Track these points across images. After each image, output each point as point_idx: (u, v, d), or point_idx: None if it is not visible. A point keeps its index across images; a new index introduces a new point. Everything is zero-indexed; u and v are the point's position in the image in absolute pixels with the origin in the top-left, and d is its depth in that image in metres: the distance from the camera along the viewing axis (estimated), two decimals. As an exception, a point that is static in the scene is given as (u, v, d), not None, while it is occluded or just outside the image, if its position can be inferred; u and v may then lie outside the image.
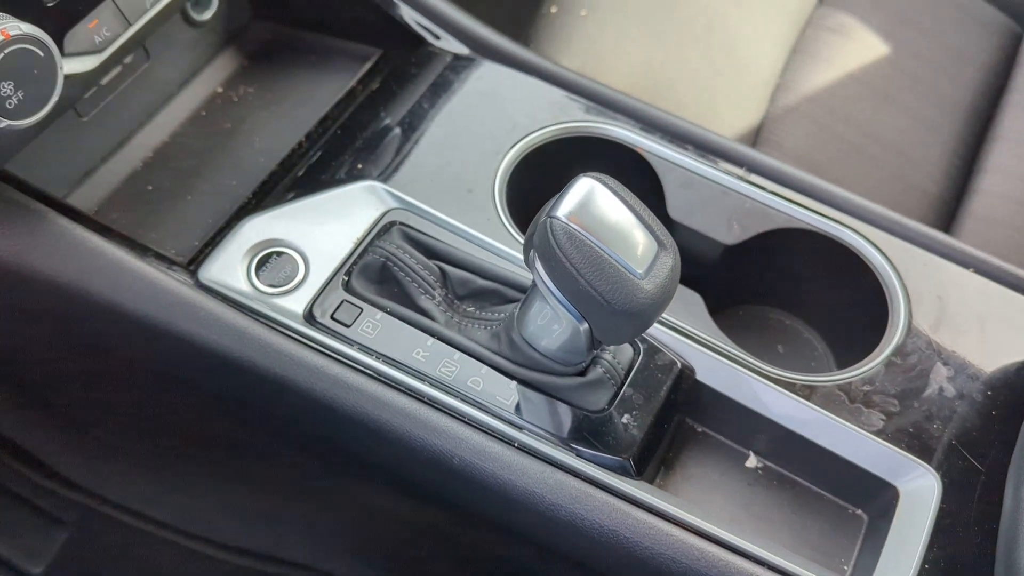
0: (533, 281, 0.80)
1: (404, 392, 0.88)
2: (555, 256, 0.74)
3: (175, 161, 1.11)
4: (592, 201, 0.74)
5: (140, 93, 1.11)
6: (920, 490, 0.86)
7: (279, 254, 0.95)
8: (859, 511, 0.91)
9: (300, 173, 1.03)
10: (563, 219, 0.73)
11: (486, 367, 0.89)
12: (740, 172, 1.04)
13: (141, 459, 1.32)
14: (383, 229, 0.97)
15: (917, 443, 0.88)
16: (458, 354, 0.89)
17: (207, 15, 1.15)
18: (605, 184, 0.75)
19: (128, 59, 1.07)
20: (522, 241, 0.96)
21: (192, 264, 0.96)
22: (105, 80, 1.05)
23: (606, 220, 0.74)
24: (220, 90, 1.18)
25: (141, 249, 0.95)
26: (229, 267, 0.94)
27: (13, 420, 1.37)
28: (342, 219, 0.98)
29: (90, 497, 1.43)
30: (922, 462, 0.87)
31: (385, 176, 1.01)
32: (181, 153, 1.12)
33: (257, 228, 0.97)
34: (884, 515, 0.87)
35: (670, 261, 0.75)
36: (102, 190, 1.08)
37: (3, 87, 0.75)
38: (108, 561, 1.47)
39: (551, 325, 0.82)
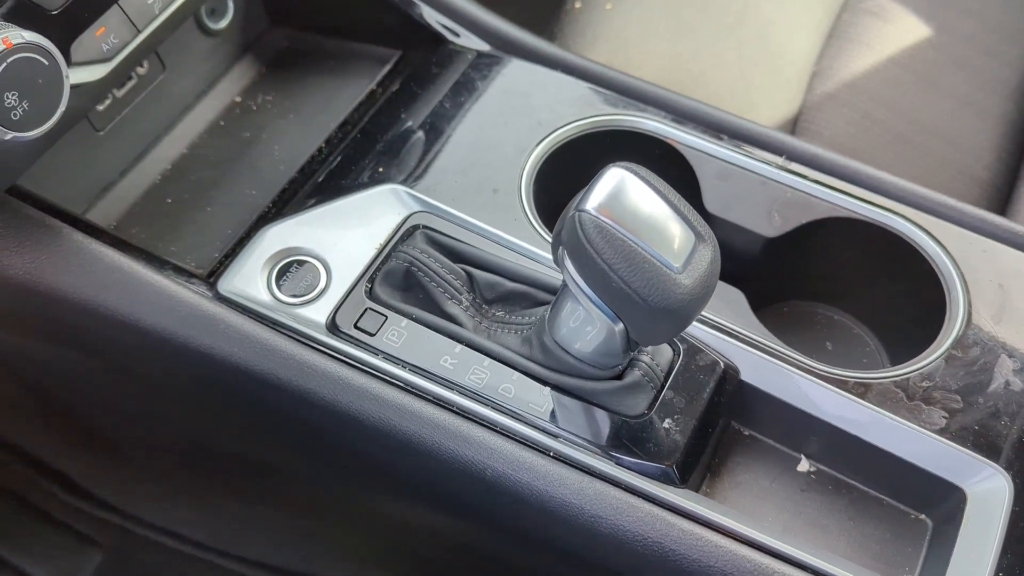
0: (563, 281, 0.75)
1: (432, 402, 0.84)
2: (585, 252, 0.69)
3: (194, 173, 1.09)
4: (623, 192, 0.70)
5: (157, 105, 1.09)
6: (989, 492, 0.80)
7: (300, 263, 0.92)
8: (923, 516, 0.85)
9: (320, 179, 1.00)
10: (592, 212, 0.69)
11: (518, 373, 0.85)
12: (779, 161, 0.98)
13: (174, 480, 1.30)
14: (406, 233, 0.93)
15: (984, 441, 0.82)
16: (488, 360, 0.85)
17: (223, 24, 1.13)
18: (636, 174, 0.71)
19: (144, 70, 1.05)
20: (551, 241, 0.92)
21: (212, 276, 0.94)
22: (121, 93, 1.04)
23: (639, 212, 0.69)
24: (238, 99, 1.15)
25: (159, 262, 0.93)
26: (249, 278, 0.91)
27: (48, 443, 1.36)
28: (364, 224, 0.95)
29: (125, 518, 1.42)
30: (990, 462, 0.82)
31: (407, 179, 0.97)
32: (200, 164, 1.10)
33: (277, 237, 0.94)
34: (951, 520, 0.82)
35: (709, 254, 0.71)
36: (121, 205, 1.07)
37: (7, 98, 0.73)
38: (143, 582, 1.46)
39: (584, 327, 0.77)
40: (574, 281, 0.72)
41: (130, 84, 1.04)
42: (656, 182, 0.71)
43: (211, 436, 1.11)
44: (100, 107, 1.01)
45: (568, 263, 0.72)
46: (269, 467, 1.11)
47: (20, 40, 0.73)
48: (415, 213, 0.95)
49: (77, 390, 1.14)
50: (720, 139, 1.00)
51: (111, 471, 1.38)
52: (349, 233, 0.94)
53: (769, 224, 0.96)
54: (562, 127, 1.01)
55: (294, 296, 0.90)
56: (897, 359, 0.93)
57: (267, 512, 1.27)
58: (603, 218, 0.69)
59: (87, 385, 1.11)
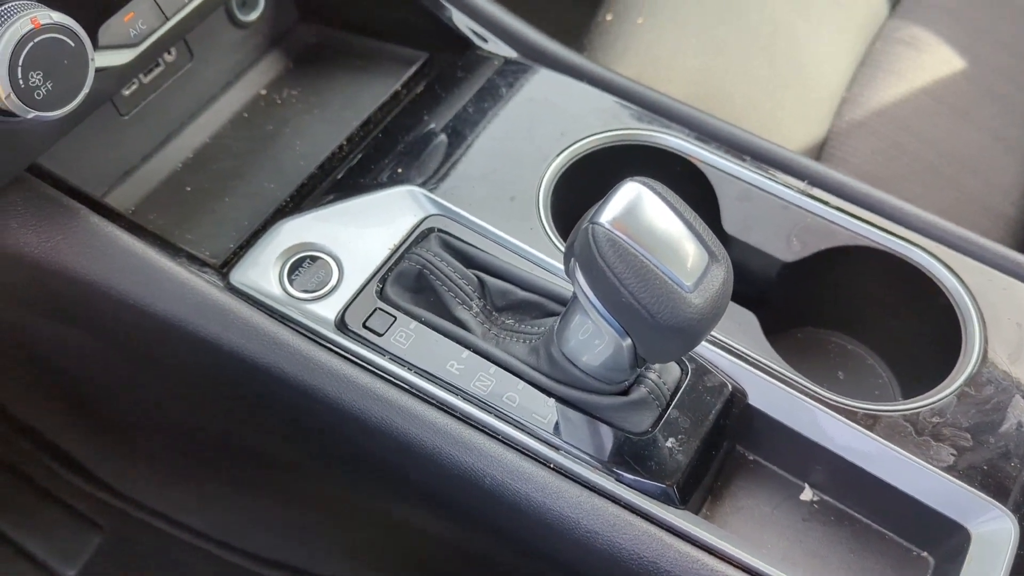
0: (574, 292, 0.75)
1: (436, 406, 0.84)
2: (597, 265, 0.69)
3: (215, 162, 1.09)
4: (638, 207, 0.69)
5: (182, 93, 1.10)
6: (994, 533, 0.79)
7: (313, 259, 0.92)
8: (924, 553, 0.84)
9: (339, 176, 1.00)
10: (606, 225, 0.68)
11: (523, 383, 0.84)
12: (801, 185, 0.97)
13: (177, 466, 1.30)
14: (421, 236, 0.93)
15: (992, 482, 0.81)
16: (494, 368, 0.85)
17: (253, 16, 1.13)
18: (653, 189, 0.70)
19: (171, 58, 1.06)
20: (564, 252, 0.91)
21: (225, 266, 0.94)
22: (147, 79, 1.04)
23: (653, 228, 0.69)
24: (264, 92, 1.16)
25: (173, 249, 0.93)
26: (261, 270, 0.91)
27: (55, 422, 1.37)
28: (380, 224, 0.94)
29: (126, 502, 1.43)
30: (997, 503, 0.80)
31: (426, 181, 0.97)
32: (221, 154, 1.10)
33: (292, 231, 0.94)
34: (953, 559, 0.80)
35: (722, 274, 0.70)
36: (141, 190, 1.07)
37: (32, 77, 0.73)
38: (140, 566, 1.46)
39: (592, 340, 0.77)
40: (584, 293, 0.71)
41: (157, 71, 1.05)
42: (672, 199, 0.70)
43: (216, 425, 1.11)
44: (126, 92, 1.02)
45: (579, 275, 0.71)
46: (271, 459, 1.11)
47: (48, 20, 0.73)
48: (431, 216, 0.95)
49: (85, 371, 1.14)
50: (743, 160, 0.99)
51: (115, 453, 1.38)
52: (364, 232, 0.94)
53: (787, 248, 0.95)
54: (584, 139, 1.00)
55: (305, 291, 0.90)
56: (910, 392, 0.92)
57: (267, 505, 1.27)
58: (616, 232, 0.68)
59: (95, 366, 1.12)
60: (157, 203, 1.06)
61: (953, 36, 1.38)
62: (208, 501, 1.36)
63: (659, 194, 0.70)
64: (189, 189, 1.07)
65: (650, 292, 0.67)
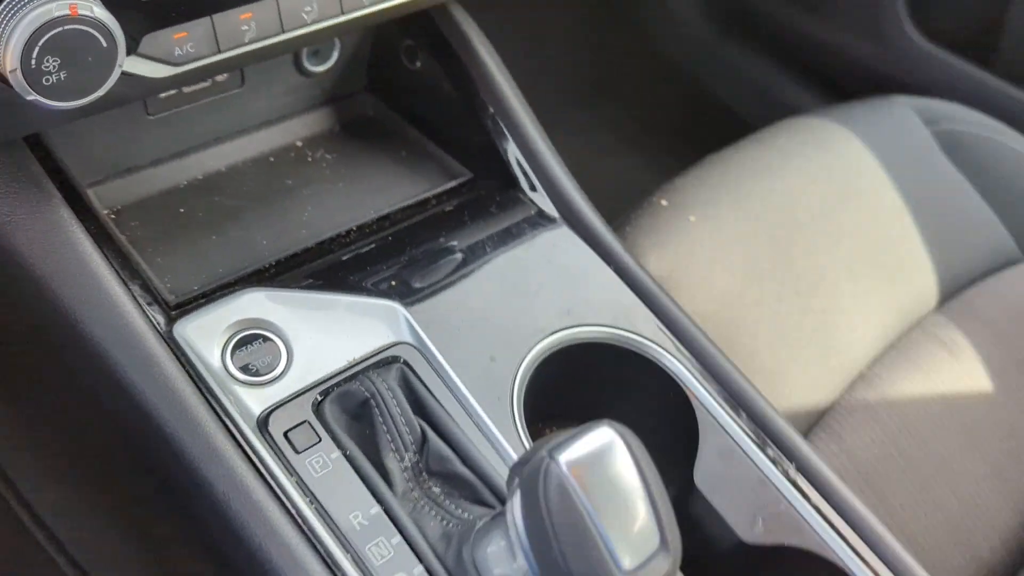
0: (506, 509, 0.66)
1: (321, 558, 0.75)
2: (537, 505, 0.60)
3: (219, 194, 1.03)
4: (605, 459, 0.61)
5: (218, 114, 1.04)
6: None
7: (265, 339, 0.85)
8: None
9: (331, 263, 0.93)
10: (563, 467, 0.60)
11: (421, 568, 0.75)
12: (788, 467, 0.90)
13: (63, 465, 1.20)
14: (384, 361, 0.86)
15: None
16: (398, 538, 0.76)
17: (320, 68, 1.09)
18: (628, 445, 0.62)
19: (222, 77, 1.00)
20: (525, 442, 0.83)
21: (176, 309, 0.86)
22: (189, 89, 0.99)
23: (611, 489, 0.61)
24: (299, 144, 1.10)
25: (131, 272, 0.86)
26: (208, 332, 0.84)
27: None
28: (348, 331, 0.87)
29: (13, 494, 1.32)
30: None
31: (413, 304, 0.90)
32: (229, 189, 1.04)
33: (258, 302, 0.87)
34: None
35: (666, 568, 0.61)
36: (135, 192, 1.02)
37: (47, 61, 0.67)
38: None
39: (506, 565, 0.68)
40: (515, 523, 0.63)
41: (202, 84, 0.99)
42: (644, 462, 0.62)
43: (107, 450, 1.02)
44: (142, 98, 0.96)
45: (516, 501, 0.63)
46: (150, 503, 1.02)
47: (87, 13, 0.67)
48: (403, 343, 0.87)
49: (6, 337, 1.06)
50: (739, 415, 0.92)
51: (11, 427, 1.29)
52: (330, 333, 0.87)
53: (749, 527, 0.87)
54: (587, 326, 0.93)
55: (243, 371, 0.83)
56: None
57: (128, 536, 1.17)
58: (571, 478, 0.60)
59: (16, 338, 1.03)
60: (145, 211, 1.00)
61: (990, 356, 1.32)
62: (77, 509, 1.26)
63: (633, 452, 0.62)
64: (182, 211, 1.01)
65: (581, 559, 0.59)
